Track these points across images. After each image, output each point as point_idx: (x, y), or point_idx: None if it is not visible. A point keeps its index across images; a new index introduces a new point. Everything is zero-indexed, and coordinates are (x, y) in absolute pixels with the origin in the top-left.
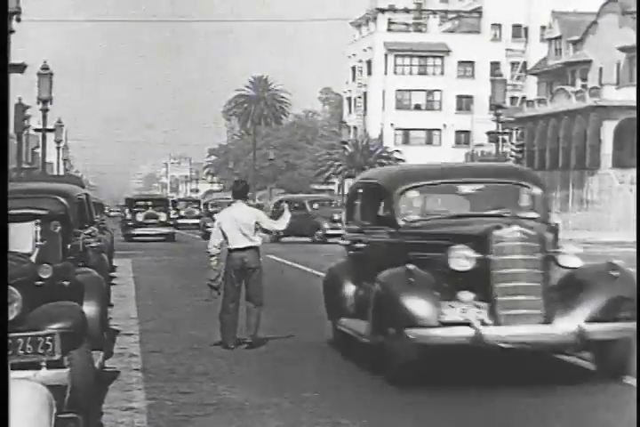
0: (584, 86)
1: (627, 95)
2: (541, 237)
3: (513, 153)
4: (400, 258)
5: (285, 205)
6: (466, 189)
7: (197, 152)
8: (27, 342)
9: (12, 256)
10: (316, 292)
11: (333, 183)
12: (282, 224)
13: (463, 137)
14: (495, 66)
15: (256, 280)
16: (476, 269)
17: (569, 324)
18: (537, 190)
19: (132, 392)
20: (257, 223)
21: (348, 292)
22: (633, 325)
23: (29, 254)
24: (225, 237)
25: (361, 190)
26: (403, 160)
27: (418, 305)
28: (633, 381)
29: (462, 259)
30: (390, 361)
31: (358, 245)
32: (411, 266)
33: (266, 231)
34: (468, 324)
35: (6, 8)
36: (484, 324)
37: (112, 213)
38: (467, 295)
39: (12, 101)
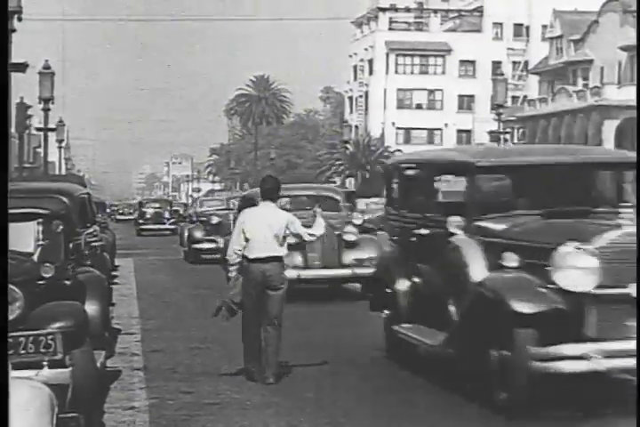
0: (585, 85)
1: (628, 94)
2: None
3: None
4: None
5: (318, 210)
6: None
7: (199, 151)
8: (28, 342)
9: (14, 255)
10: None
11: (335, 182)
12: (317, 231)
13: (465, 136)
14: (496, 65)
15: (276, 300)
16: None
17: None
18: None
19: (134, 392)
20: (287, 229)
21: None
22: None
23: (31, 254)
24: (247, 242)
25: (409, 172)
26: None
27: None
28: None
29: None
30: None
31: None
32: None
33: (298, 239)
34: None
35: (7, 7)
36: None
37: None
38: None
39: (14, 101)
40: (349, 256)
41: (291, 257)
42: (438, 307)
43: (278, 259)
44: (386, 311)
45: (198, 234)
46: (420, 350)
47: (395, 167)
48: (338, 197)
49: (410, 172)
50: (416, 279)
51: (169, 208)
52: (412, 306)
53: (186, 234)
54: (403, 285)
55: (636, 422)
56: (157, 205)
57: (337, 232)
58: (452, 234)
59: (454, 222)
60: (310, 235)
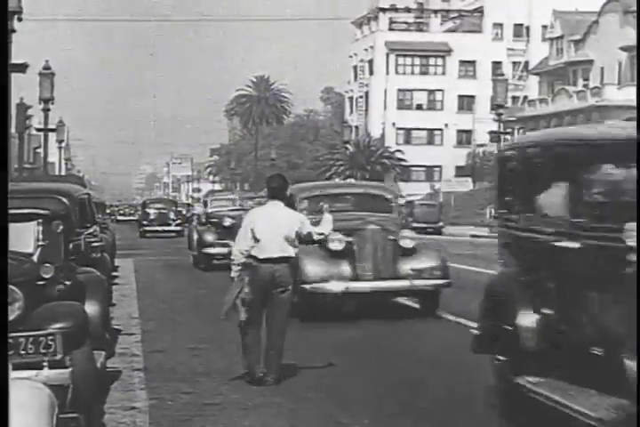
0: (585, 86)
1: (628, 95)
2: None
3: None
4: None
5: (326, 206)
6: None
7: (199, 152)
8: (28, 342)
9: (14, 256)
10: None
11: None
12: (325, 229)
13: (465, 137)
14: (497, 65)
15: (283, 302)
16: None
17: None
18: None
19: (134, 392)
20: (298, 229)
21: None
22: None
23: (31, 254)
24: (256, 243)
25: (541, 159)
26: (404, 160)
27: None
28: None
29: None
30: None
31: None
32: None
33: (307, 240)
34: None
35: (7, 7)
36: None
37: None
38: None
39: (14, 101)
40: (406, 265)
41: (337, 267)
42: (596, 357)
43: (288, 260)
44: (500, 356)
45: (209, 237)
46: (561, 416)
47: (516, 153)
48: (389, 196)
49: (541, 159)
50: (549, 311)
51: (174, 208)
52: (545, 351)
53: (195, 237)
54: (529, 319)
55: (637, 423)
56: (162, 206)
57: (391, 237)
58: (632, 249)
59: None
60: (319, 234)
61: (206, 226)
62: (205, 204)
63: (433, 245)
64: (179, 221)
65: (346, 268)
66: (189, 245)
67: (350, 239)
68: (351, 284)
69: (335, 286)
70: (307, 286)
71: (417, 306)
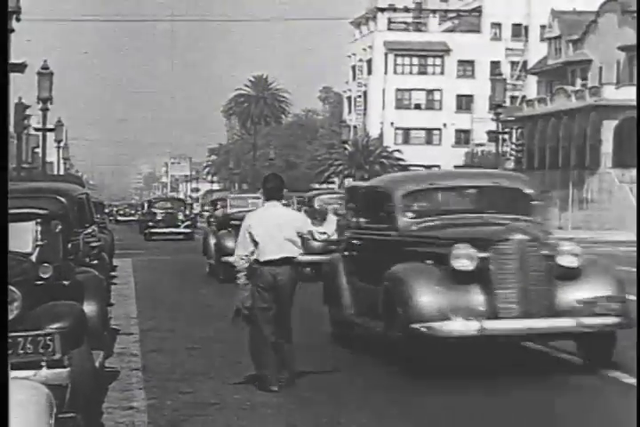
0: (584, 86)
1: (626, 94)
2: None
3: (513, 152)
4: None
5: (329, 208)
6: None
7: (198, 152)
8: (27, 342)
9: (13, 256)
10: None
11: (333, 182)
12: (329, 228)
13: (463, 136)
14: (495, 65)
15: (286, 305)
16: None
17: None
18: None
19: (133, 392)
20: (299, 229)
21: None
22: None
23: (29, 254)
24: (256, 246)
25: None
26: (403, 160)
27: None
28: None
29: None
30: None
31: None
32: None
33: (310, 237)
34: None
35: (6, 7)
36: None
37: None
38: None
39: (13, 101)
40: (569, 295)
41: (465, 296)
42: None
43: (291, 261)
44: None
45: (230, 243)
46: None
47: None
48: (528, 191)
49: None
50: None
51: (183, 208)
52: None
53: (212, 242)
54: None
55: (637, 423)
56: (169, 206)
57: (545, 251)
58: None
59: None
60: (321, 233)
61: (227, 229)
62: (214, 203)
63: (601, 263)
64: (187, 223)
65: (478, 298)
66: (205, 252)
67: (485, 255)
68: (487, 323)
69: (464, 327)
70: (419, 326)
71: (572, 358)
